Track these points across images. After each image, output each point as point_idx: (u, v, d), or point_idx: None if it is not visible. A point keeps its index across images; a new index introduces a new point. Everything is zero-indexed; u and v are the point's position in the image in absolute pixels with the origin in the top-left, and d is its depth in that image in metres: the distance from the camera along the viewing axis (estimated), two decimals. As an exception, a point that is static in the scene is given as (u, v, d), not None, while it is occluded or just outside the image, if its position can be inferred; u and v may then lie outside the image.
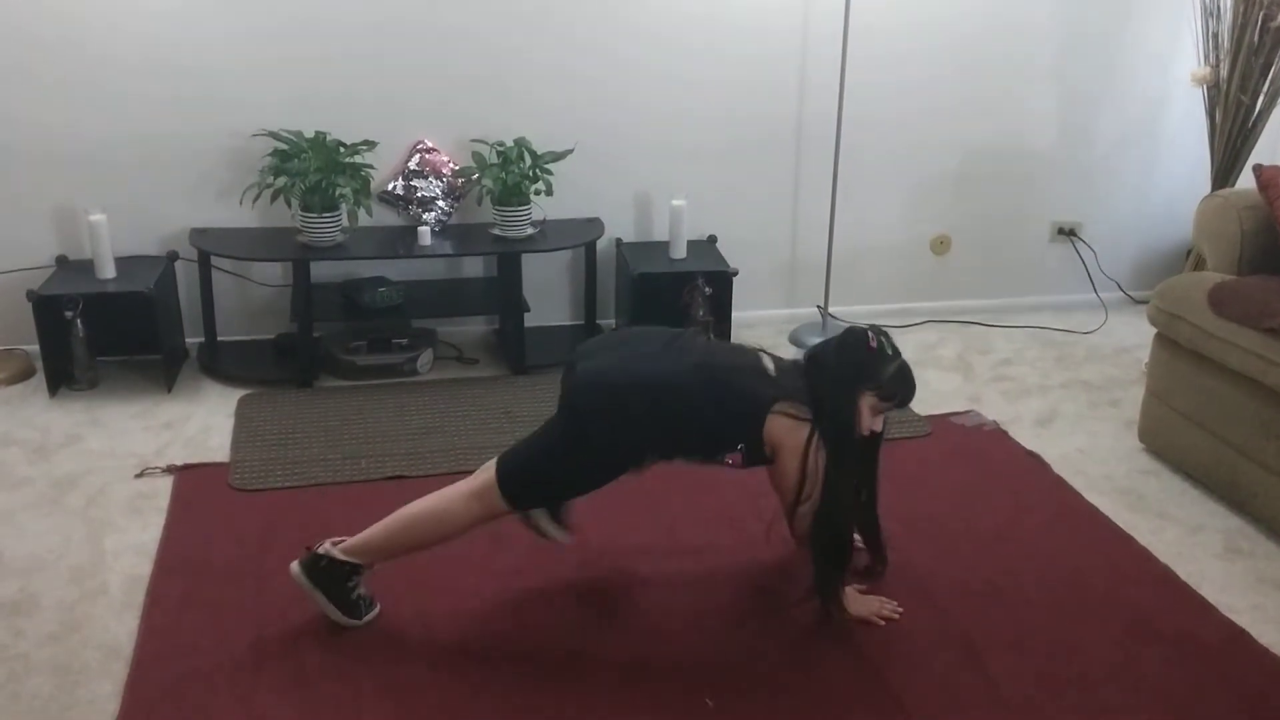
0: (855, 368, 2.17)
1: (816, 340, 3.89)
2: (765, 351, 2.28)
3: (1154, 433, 3.11)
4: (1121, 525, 2.75)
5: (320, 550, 2.24)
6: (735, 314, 3.81)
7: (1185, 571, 2.56)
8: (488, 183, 3.53)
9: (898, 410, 2.29)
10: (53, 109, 3.43)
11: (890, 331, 2.26)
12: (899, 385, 2.20)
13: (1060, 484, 2.97)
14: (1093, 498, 2.90)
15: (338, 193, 3.42)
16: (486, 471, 2.22)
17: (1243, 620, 2.37)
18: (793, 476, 2.16)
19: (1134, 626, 2.35)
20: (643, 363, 2.19)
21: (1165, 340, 3.01)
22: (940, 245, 4.29)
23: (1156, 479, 3.02)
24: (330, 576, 2.23)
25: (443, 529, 2.24)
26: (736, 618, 2.34)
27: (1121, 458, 3.15)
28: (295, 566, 2.25)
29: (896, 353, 2.19)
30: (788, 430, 2.14)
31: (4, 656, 2.17)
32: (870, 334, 2.19)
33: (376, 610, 2.31)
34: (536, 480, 2.23)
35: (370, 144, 3.50)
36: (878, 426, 2.24)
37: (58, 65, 3.39)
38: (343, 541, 2.25)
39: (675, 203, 3.74)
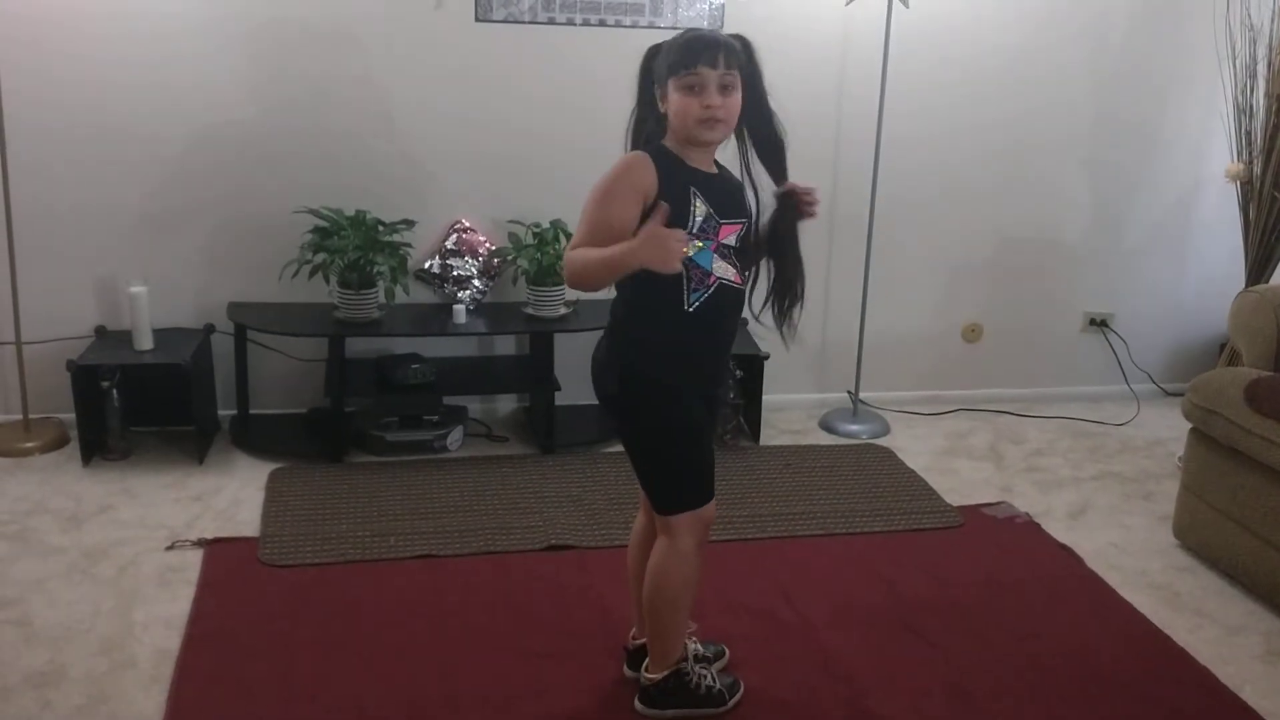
0: (646, 78, 2.11)
1: (848, 426, 3.92)
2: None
3: (1190, 528, 3.07)
4: (1158, 624, 2.71)
5: (642, 684, 2.27)
6: (766, 398, 3.81)
7: (1225, 674, 2.50)
8: (523, 263, 3.57)
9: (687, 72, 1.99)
10: (97, 183, 3.51)
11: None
12: (678, 51, 2.00)
13: (1094, 579, 2.93)
14: (1128, 594, 2.85)
15: (375, 270, 3.46)
16: (649, 511, 2.25)
17: (1286, 726, 2.32)
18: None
19: (1174, 729, 2.30)
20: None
21: (1201, 435, 2.99)
22: (972, 333, 4.29)
23: (1193, 576, 2.98)
24: (667, 692, 2.24)
25: (681, 576, 2.16)
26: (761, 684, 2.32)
27: (1156, 553, 3.10)
28: (639, 706, 2.27)
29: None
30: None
31: (30, 729, 2.17)
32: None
33: (734, 683, 2.32)
34: (672, 481, 2.14)
35: (409, 223, 3.56)
36: (713, 102, 2.00)
37: (103, 141, 3.48)
38: (645, 667, 2.28)
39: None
